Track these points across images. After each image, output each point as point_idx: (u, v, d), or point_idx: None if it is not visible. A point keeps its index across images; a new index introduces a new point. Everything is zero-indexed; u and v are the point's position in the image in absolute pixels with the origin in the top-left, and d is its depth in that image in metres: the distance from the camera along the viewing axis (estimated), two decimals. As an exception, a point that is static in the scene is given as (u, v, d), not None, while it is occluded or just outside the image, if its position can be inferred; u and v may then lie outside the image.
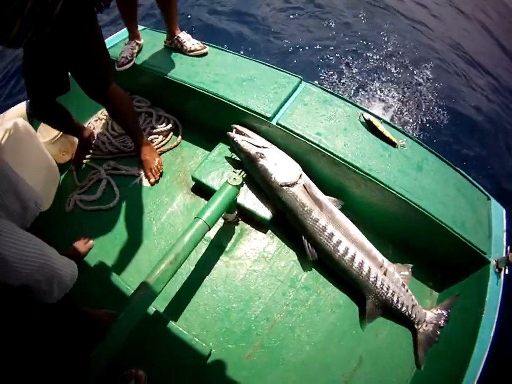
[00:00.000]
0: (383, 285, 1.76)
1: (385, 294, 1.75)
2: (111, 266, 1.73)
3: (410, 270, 1.86)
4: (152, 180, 2.01)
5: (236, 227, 1.93)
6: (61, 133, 2.01)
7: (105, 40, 2.23)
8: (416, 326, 1.76)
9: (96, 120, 2.19)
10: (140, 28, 2.18)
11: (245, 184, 1.90)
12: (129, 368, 1.41)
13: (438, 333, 1.74)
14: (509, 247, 1.78)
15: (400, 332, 1.77)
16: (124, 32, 2.26)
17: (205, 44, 2.16)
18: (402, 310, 1.76)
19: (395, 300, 1.75)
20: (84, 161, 2.11)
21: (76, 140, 2.11)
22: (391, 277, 1.80)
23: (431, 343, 1.73)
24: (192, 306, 1.70)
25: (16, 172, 1.25)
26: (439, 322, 1.77)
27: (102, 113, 2.21)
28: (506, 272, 1.69)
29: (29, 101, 1.87)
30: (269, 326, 1.69)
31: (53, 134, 2.00)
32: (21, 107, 1.98)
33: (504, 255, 1.74)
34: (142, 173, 2.03)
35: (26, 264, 1.10)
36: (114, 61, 2.06)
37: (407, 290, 1.80)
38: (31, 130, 1.86)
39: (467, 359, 1.46)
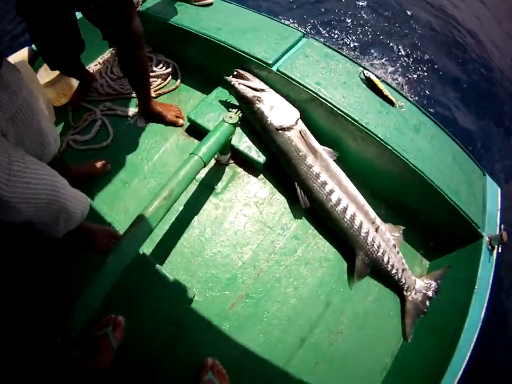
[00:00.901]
0: (374, 242, 1.71)
1: (376, 251, 1.71)
2: (98, 205, 1.66)
3: (401, 232, 1.82)
4: (181, 121, 2.01)
5: (228, 169, 1.90)
6: (61, 75, 2.00)
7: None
8: (405, 293, 1.71)
9: (96, 65, 2.19)
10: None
11: (240, 128, 1.88)
12: (108, 314, 1.33)
13: (427, 303, 1.70)
14: (502, 226, 1.75)
15: (389, 298, 1.73)
16: None
17: (212, -5, 2.19)
18: (392, 272, 1.71)
19: (385, 259, 1.71)
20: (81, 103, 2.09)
21: (75, 83, 2.10)
22: (383, 235, 1.76)
23: (419, 314, 1.68)
24: (178, 249, 1.65)
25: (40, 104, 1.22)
26: (429, 293, 1.72)
27: (102, 59, 2.22)
28: (499, 251, 1.66)
29: (32, 47, 1.88)
30: (255, 275, 1.64)
31: (52, 76, 1.98)
32: (23, 52, 1.98)
33: (497, 232, 1.70)
34: (138, 114, 2.01)
35: (34, 204, 1.05)
36: None
37: (398, 252, 1.76)
38: (33, 73, 1.85)
39: (457, 335, 1.42)
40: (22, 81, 1.11)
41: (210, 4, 2.15)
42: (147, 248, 1.61)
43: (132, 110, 2.02)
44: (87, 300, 1.14)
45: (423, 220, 1.90)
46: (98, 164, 1.79)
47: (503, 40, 4.99)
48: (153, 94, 2.08)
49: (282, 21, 2.45)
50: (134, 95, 2.08)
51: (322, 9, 4.51)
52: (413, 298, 1.70)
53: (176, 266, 1.61)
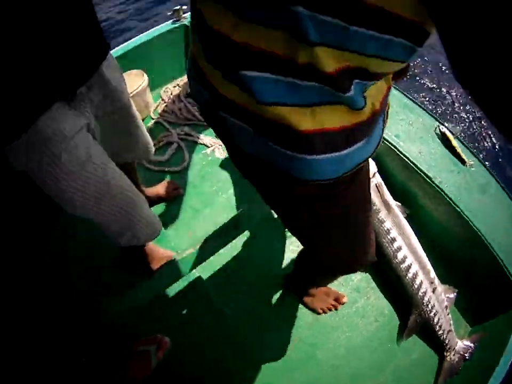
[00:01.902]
0: (430, 302, 1.74)
1: (429, 311, 1.73)
2: (165, 228, 1.71)
3: (455, 294, 1.84)
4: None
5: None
6: (137, 90, 1.99)
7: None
8: (445, 353, 1.73)
9: (175, 86, 2.20)
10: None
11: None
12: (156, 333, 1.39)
13: (461, 365, 1.72)
14: None
15: (430, 356, 1.75)
16: None
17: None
18: (439, 332, 1.73)
19: (436, 320, 1.73)
20: (159, 121, 2.10)
21: (151, 99, 2.11)
22: (438, 296, 1.78)
23: (453, 374, 1.70)
24: (241, 276, 1.68)
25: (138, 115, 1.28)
26: (465, 355, 1.75)
27: (182, 81, 2.22)
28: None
29: None
30: (312, 321, 1.67)
31: (130, 88, 1.99)
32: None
33: None
34: (216, 144, 2.02)
35: (101, 209, 1.09)
36: None
37: (447, 314, 1.78)
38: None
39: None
40: (123, 83, 1.14)
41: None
42: (207, 272, 1.63)
43: (210, 139, 2.04)
44: (133, 295, 1.18)
45: (476, 286, 1.91)
46: (171, 188, 1.82)
47: None
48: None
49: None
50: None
51: None
52: (451, 359, 1.73)
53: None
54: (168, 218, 1.80)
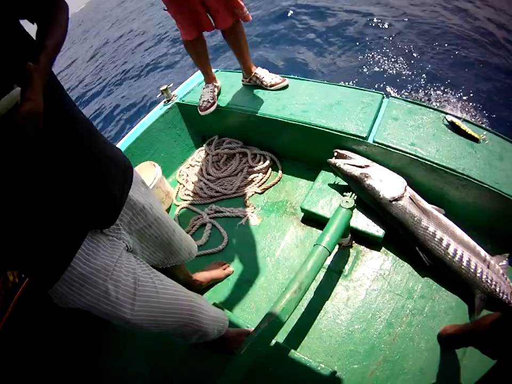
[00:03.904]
0: (488, 278, 1.81)
1: (490, 286, 1.80)
2: (229, 308, 1.75)
3: (507, 259, 1.91)
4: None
5: (351, 250, 1.98)
6: (153, 183, 2.02)
7: (178, 88, 2.27)
8: None
9: (188, 167, 2.23)
10: (213, 69, 2.22)
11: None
12: None
13: None
14: None
15: None
16: (197, 76, 2.29)
17: (284, 77, 2.21)
18: (503, 298, 1.80)
19: (497, 290, 1.80)
20: (185, 206, 2.13)
21: (170, 188, 2.15)
22: (493, 269, 1.86)
23: None
24: (315, 334, 1.74)
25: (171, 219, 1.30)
26: None
27: (193, 160, 2.25)
28: None
29: None
30: (391, 340, 1.73)
31: (148, 182, 2.02)
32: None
33: None
34: (248, 212, 2.07)
35: (160, 323, 1.12)
36: (194, 106, 2.10)
37: (506, 279, 1.86)
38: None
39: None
40: (153, 199, 1.18)
41: (287, 86, 2.17)
42: (284, 337, 1.70)
43: (241, 210, 2.08)
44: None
45: None
46: (221, 267, 1.87)
47: None
48: (259, 190, 2.14)
49: (353, 83, 2.46)
50: (238, 194, 2.12)
51: (375, 62, 4.57)
52: None
53: (315, 350, 1.70)
54: (228, 297, 1.84)
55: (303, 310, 1.79)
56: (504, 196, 1.83)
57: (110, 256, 0.96)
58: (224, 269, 1.88)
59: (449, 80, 4.23)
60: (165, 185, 2.13)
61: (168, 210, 2.18)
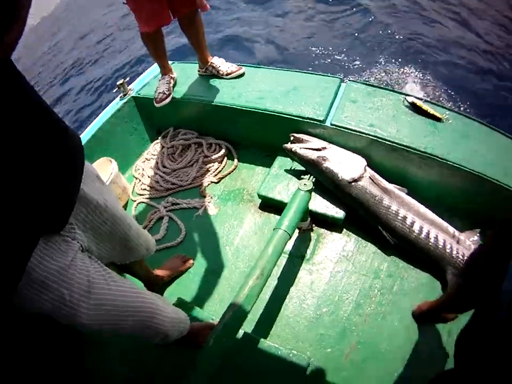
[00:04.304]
0: (458, 253, 1.77)
1: (462, 261, 1.76)
2: (191, 301, 1.68)
3: (478, 234, 1.88)
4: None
5: (312, 233, 1.92)
6: (109, 179, 1.97)
7: (135, 81, 2.26)
8: None
9: (144, 161, 2.18)
10: (169, 62, 2.20)
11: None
12: None
13: None
14: None
15: None
16: (153, 69, 2.28)
17: (240, 65, 2.19)
18: None
19: None
20: (142, 201, 2.07)
21: (126, 183, 2.09)
22: (464, 244, 1.82)
23: None
24: (282, 321, 1.67)
25: (128, 215, 1.25)
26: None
27: (148, 153, 2.20)
28: None
29: None
30: (362, 321, 1.67)
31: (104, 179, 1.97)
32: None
33: None
34: (205, 202, 2.00)
35: (121, 326, 1.07)
36: (150, 99, 2.07)
37: None
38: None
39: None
40: (106, 196, 1.11)
41: (243, 74, 2.15)
42: (251, 326, 1.63)
43: (197, 201, 2.01)
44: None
45: (499, 218, 1.93)
46: (181, 261, 1.80)
47: None
48: (215, 179, 2.08)
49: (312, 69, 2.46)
50: (194, 185, 2.07)
51: (334, 46, 4.61)
52: None
53: (285, 337, 1.63)
54: (191, 290, 1.77)
55: (268, 297, 1.73)
56: (471, 173, 1.80)
57: (64, 258, 0.91)
58: (184, 262, 1.82)
59: (411, 64, 4.26)
60: (122, 180, 2.07)
61: (125, 205, 2.11)
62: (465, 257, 1.77)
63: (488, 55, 4.48)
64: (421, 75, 4.12)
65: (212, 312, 1.63)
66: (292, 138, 1.95)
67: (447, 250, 1.76)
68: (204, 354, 1.21)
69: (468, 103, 3.64)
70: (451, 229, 1.84)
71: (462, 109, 3.54)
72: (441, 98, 3.76)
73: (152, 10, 1.82)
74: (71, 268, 0.91)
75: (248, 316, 1.30)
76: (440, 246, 1.77)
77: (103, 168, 2.01)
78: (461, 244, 1.81)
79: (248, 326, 1.58)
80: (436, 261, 1.79)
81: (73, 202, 0.95)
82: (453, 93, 3.83)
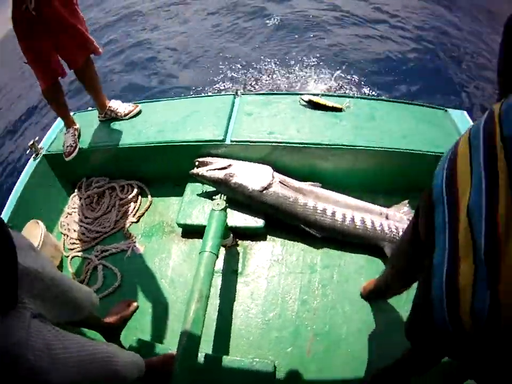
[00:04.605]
0: (391, 228, 1.85)
1: (397, 234, 1.83)
2: (146, 339, 1.69)
3: (407, 205, 1.97)
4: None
5: (238, 248, 1.96)
6: (44, 239, 1.98)
7: (44, 138, 2.29)
8: None
9: (67, 216, 2.19)
10: (71, 113, 2.24)
11: (228, 207, 1.93)
12: None
13: None
14: None
15: None
16: (58, 124, 2.31)
17: (136, 103, 2.24)
18: None
19: None
20: (74, 255, 2.09)
21: (57, 241, 2.10)
22: (394, 218, 1.90)
23: None
24: (236, 334, 1.70)
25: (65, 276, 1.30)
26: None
27: (69, 208, 2.22)
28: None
29: None
30: (312, 316, 1.71)
31: (35, 242, 1.97)
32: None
33: None
34: (131, 243, 2.03)
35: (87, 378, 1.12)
36: (61, 154, 2.10)
37: None
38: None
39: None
40: (42, 260, 1.17)
41: (140, 112, 2.19)
42: (210, 348, 1.65)
43: (124, 244, 2.03)
44: None
45: (420, 184, 1.95)
46: (125, 305, 1.82)
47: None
48: (134, 219, 2.11)
49: (208, 92, 2.51)
50: (117, 228, 2.10)
51: (226, 62, 4.63)
52: None
53: (244, 349, 1.65)
54: (143, 329, 1.77)
55: (216, 317, 1.75)
56: (379, 151, 1.88)
57: (21, 328, 0.95)
58: (129, 306, 1.82)
59: (304, 62, 4.38)
60: (52, 239, 2.07)
61: (61, 263, 2.12)
62: (399, 229, 1.83)
63: (384, 38, 4.70)
64: (318, 71, 4.21)
65: (167, 343, 1.66)
66: (197, 163, 1.98)
67: (378, 229, 1.83)
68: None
69: (374, 84, 3.77)
70: (377, 208, 1.91)
71: (368, 92, 3.67)
72: (344, 88, 3.86)
73: (48, 66, 1.88)
74: (29, 335, 0.96)
75: (203, 338, 1.33)
76: (369, 227, 1.83)
77: (33, 231, 2.00)
78: (390, 218, 1.89)
79: (206, 347, 1.60)
80: (369, 241, 1.85)
81: (16, 284, 0.99)
82: (354, 79, 3.96)
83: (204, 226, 1.67)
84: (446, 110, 2.07)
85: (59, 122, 2.25)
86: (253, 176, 1.90)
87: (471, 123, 2.02)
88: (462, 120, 2.01)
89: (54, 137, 2.25)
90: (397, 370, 1.33)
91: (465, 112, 2.07)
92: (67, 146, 2.10)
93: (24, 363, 0.94)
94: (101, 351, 1.19)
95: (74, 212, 2.17)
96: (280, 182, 1.90)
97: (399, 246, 1.32)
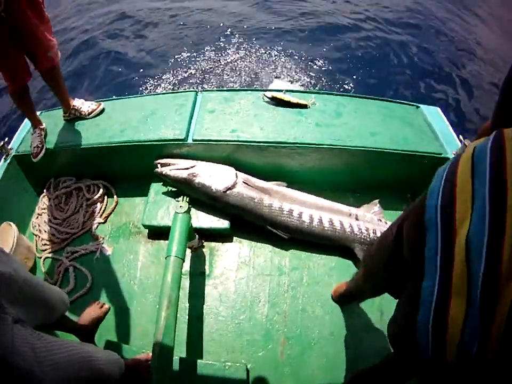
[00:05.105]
0: (361, 229, 1.84)
1: (368, 235, 1.84)
2: (116, 341, 1.73)
3: (378, 204, 1.96)
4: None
5: (204, 250, 1.97)
6: (17, 241, 2.01)
7: (13, 139, 2.29)
8: None
9: (37, 217, 2.21)
10: (37, 113, 2.22)
11: (192, 208, 1.94)
12: None
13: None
14: (461, 136, 1.88)
15: None
16: (26, 125, 2.29)
17: (99, 101, 2.21)
18: None
19: (378, 235, 1.82)
20: (46, 256, 2.13)
21: (29, 242, 2.14)
22: (364, 219, 1.90)
23: None
24: (207, 337, 1.73)
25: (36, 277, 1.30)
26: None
27: (39, 208, 2.23)
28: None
29: None
30: (283, 318, 1.74)
31: (8, 245, 2.00)
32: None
33: (460, 145, 1.84)
34: (99, 245, 2.05)
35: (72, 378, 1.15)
36: (29, 155, 2.10)
37: (385, 223, 1.89)
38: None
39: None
40: (13, 263, 1.18)
41: (103, 110, 2.17)
42: (182, 352, 1.68)
43: (92, 245, 2.05)
44: None
45: (391, 182, 2.02)
46: (98, 306, 1.85)
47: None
48: (101, 220, 2.12)
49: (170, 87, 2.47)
50: (86, 229, 2.12)
51: (198, 54, 4.55)
52: None
53: (216, 352, 1.68)
54: (114, 330, 1.80)
55: (186, 320, 1.78)
56: (345, 149, 1.86)
57: (6, 333, 0.98)
58: (101, 307, 1.86)
59: (267, 58, 4.34)
60: (24, 241, 2.09)
61: (34, 264, 2.15)
62: (370, 230, 1.83)
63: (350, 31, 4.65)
64: (282, 67, 4.15)
65: (141, 345, 1.68)
66: (158, 165, 1.97)
67: (347, 230, 1.82)
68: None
69: (342, 80, 3.71)
70: (345, 208, 1.90)
71: (335, 88, 3.61)
72: (310, 84, 3.80)
73: (15, 68, 1.87)
74: (14, 340, 0.99)
75: (176, 341, 1.35)
76: (338, 228, 1.83)
77: (5, 233, 2.02)
78: (360, 219, 1.88)
79: (178, 351, 1.60)
80: (339, 243, 1.85)
81: None
82: (320, 75, 3.89)
83: (169, 227, 1.67)
84: (418, 107, 2.03)
85: (27, 123, 2.23)
86: (216, 176, 1.89)
87: (445, 120, 2.00)
88: (435, 116, 1.99)
89: (22, 137, 2.24)
90: (380, 373, 1.31)
91: (438, 109, 2.04)
92: (34, 147, 2.10)
93: (14, 368, 0.96)
94: (83, 352, 1.22)
95: (44, 213, 2.19)
96: (244, 181, 1.90)
97: (375, 250, 1.20)
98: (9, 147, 2.22)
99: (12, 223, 2.04)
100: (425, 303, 0.70)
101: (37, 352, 1.03)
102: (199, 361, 1.54)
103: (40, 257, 2.13)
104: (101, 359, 1.27)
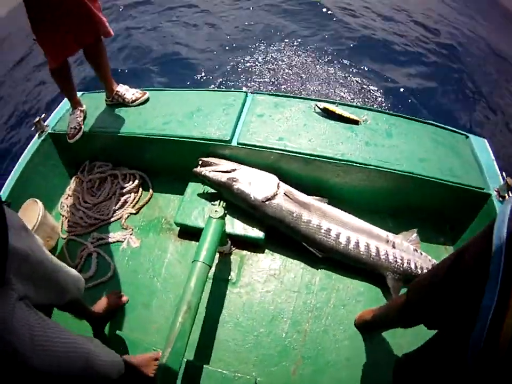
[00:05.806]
0: (396, 258, 1.77)
1: (401, 265, 1.76)
2: (132, 334, 1.69)
3: (415, 234, 1.88)
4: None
5: (234, 256, 1.91)
6: (41, 219, 1.97)
7: (50, 117, 2.24)
8: None
9: (67, 198, 2.17)
10: (79, 94, 2.17)
11: (228, 213, 1.88)
12: None
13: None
14: (504, 173, 1.80)
15: None
16: (65, 103, 2.24)
17: (144, 90, 2.15)
18: (423, 272, 1.75)
19: (412, 266, 1.76)
20: (70, 238, 2.09)
21: (55, 222, 2.10)
22: (400, 247, 1.82)
23: None
24: (222, 345, 1.68)
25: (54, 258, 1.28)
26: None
27: (70, 189, 2.19)
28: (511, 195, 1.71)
29: None
30: (302, 337, 1.68)
31: (32, 222, 1.96)
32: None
33: (502, 182, 1.75)
34: (127, 235, 2.01)
35: (63, 369, 1.10)
36: (65, 135, 2.06)
37: (421, 254, 1.82)
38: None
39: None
40: (32, 244, 1.15)
41: (148, 100, 2.11)
42: (194, 356, 1.64)
43: (120, 234, 2.01)
44: None
45: (431, 211, 1.94)
46: (115, 296, 1.82)
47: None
48: (133, 210, 2.07)
49: (219, 85, 2.41)
50: (116, 217, 2.07)
51: (249, 56, 4.46)
52: None
53: (228, 361, 1.64)
54: (128, 323, 1.77)
55: (203, 324, 1.72)
56: (393, 173, 1.78)
57: (5, 309, 0.95)
58: (119, 298, 1.82)
59: (325, 68, 4.23)
60: (50, 220, 2.06)
61: (56, 245, 2.12)
62: (404, 260, 1.77)
63: (408, 52, 4.58)
64: (337, 78, 4.06)
65: (152, 342, 1.63)
66: (200, 162, 1.91)
67: (382, 257, 1.76)
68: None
69: (394, 98, 3.62)
70: (383, 233, 1.83)
71: (387, 106, 3.51)
72: (363, 99, 3.72)
73: (59, 42, 1.81)
74: (14, 318, 0.96)
75: (189, 343, 1.31)
76: (373, 254, 1.76)
77: (30, 210, 1.99)
78: (397, 247, 1.81)
79: (189, 354, 1.59)
80: (372, 268, 1.79)
81: (4, 264, 0.98)
82: (375, 91, 3.81)
83: (201, 229, 1.60)
84: (467, 136, 1.95)
85: (67, 102, 2.18)
86: (256, 184, 1.82)
87: (491, 154, 1.92)
88: (482, 148, 1.91)
89: (60, 116, 2.19)
90: None
91: (486, 141, 1.95)
92: (71, 128, 2.06)
93: (7, 344, 0.93)
94: (81, 346, 1.19)
95: (75, 195, 2.15)
96: (285, 193, 1.82)
97: (423, 283, 1.15)
98: (45, 124, 2.18)
99: (38, 200, 2.01)
100: (483, 317, 0.72)
101: (34, 335, 1.01)
102: (208, 367, 1.49)
103: (64, 238, 2.10)
104: (99, 356, 1.24)
